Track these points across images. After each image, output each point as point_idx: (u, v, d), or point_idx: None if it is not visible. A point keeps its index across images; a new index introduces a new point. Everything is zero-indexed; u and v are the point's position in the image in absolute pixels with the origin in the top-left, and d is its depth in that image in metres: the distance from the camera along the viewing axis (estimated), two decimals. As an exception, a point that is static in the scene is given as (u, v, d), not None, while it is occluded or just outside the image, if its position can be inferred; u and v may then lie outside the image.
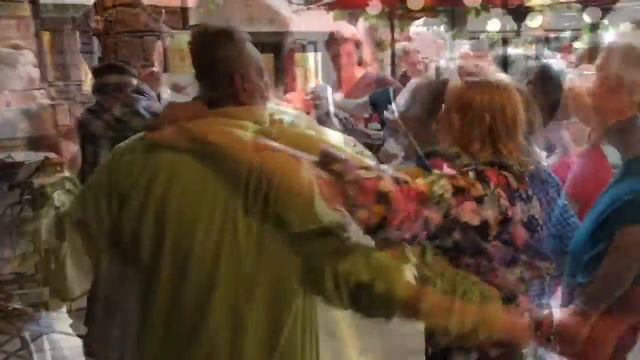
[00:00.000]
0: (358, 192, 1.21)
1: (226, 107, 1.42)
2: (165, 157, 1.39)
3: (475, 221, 1.35)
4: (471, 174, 1.41)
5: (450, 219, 1.34)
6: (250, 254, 1.30)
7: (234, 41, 1.45)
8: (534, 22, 9.46)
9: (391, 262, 1.26)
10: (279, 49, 8.28)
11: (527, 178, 1.49)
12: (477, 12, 9.13)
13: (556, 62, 2.92)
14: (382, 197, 1.22)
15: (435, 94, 3.99)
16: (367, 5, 6.52)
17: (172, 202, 1.37)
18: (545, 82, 2.35)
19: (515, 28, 10.41)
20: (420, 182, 1.34)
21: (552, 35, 9.96)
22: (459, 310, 1.22)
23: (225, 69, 1.42)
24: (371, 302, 1.26)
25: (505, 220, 1.40)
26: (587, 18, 9.50)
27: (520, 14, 8.90)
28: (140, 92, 2.87)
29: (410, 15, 7.34)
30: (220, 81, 1.42)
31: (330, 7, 6.88)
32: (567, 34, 13.25)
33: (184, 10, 4.65)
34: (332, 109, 4.07)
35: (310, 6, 7.35)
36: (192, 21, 5.19)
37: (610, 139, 2.05)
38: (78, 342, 3.70)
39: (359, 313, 1.32)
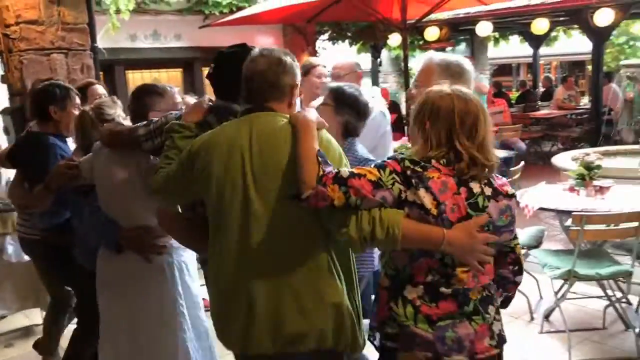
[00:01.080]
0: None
1: (280, 106, 1.94)
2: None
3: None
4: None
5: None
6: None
7: (294, 62, 1.97)
8: (431, 36, 10.04)
9: (383, 214, 1.70)
10: (188, 64, 8.27)
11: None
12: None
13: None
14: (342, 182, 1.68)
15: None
16: (259, 23, 6.62)
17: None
18: (337, 102, 2.53)
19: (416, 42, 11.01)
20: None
21: (448, 48, 10.55)
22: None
23: (290, 81, 1.95)
24: (378, 243, 1.73)
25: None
26: (479, 31, 10.18)
27: (418, 29, 9.41)
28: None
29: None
30: (285, 90, 1.94)
31: (220, 25, 6.93)
32: (462, 46, 14.09)
33: (91, 28, 4.57)
34: None
35: (203, 25, 7.40)
36: (99, 38, 5.11)
37: None
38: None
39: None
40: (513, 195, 1.81)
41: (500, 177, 1.82)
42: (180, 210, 2.34)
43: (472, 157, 1.71)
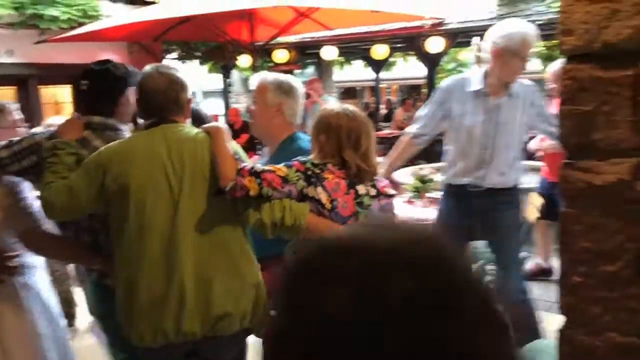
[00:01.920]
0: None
1: (179, 118, 2.16)
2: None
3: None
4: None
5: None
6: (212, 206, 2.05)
7: (185, 79, 2.16)
8: (280, 58, 10.31)
9: (293, 205, 2.02)
10: (22, 81, 7.71)
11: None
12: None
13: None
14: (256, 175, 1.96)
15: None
16: (102, 40, 6.32)
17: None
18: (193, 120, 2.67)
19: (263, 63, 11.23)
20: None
21: (297, 71, 10.90)
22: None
23: (186, 97, 2.17)
24: (285, 230, 2.04)
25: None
26: (324, 55, 10.64)
27: (267, 51, 9.62)
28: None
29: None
30: (183, 106, 2.16)
31: (58, 41, 6.59)
32: (311, 69, 14.61)
33: None
34: None
35: (39, 41, 6.96)
36: None
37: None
38: None
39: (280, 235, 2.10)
40: (392, 195, 2.18)
41: (382, 179, 2.20)
42: (61, 234, 2.34)
43: (357, 165, 2.06)
